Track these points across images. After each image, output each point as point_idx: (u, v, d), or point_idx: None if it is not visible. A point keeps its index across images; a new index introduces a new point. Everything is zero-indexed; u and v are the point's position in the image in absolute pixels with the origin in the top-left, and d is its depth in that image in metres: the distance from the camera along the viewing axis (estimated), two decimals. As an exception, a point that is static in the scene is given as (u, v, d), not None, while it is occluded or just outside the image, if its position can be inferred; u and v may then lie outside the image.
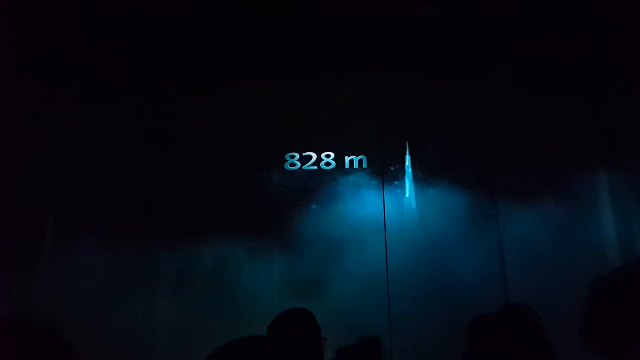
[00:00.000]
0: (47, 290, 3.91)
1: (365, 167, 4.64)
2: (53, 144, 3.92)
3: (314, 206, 4.51)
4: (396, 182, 4.63)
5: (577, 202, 4.08)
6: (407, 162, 4.68)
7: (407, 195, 4.68)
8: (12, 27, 3.47)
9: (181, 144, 4.62)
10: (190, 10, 3.86)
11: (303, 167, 4.64)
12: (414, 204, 4.65)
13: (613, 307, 1.28)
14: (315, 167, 4.65)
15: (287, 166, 4.63)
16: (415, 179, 4.62)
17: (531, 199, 4.06)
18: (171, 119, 4.71)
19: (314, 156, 4.67)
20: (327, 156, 4.66)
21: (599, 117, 4.28)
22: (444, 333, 3.84)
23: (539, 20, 3.83)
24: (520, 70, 4.13)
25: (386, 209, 4.49)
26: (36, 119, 3.84)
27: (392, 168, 4.65)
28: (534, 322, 1.83)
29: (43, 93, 3.92)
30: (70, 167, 3.98)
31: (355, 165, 4.65)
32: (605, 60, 4.02)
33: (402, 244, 4.30)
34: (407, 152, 4.67)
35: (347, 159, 4.66)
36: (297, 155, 4.65)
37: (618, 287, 1.31)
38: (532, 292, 3.62)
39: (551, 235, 3.98)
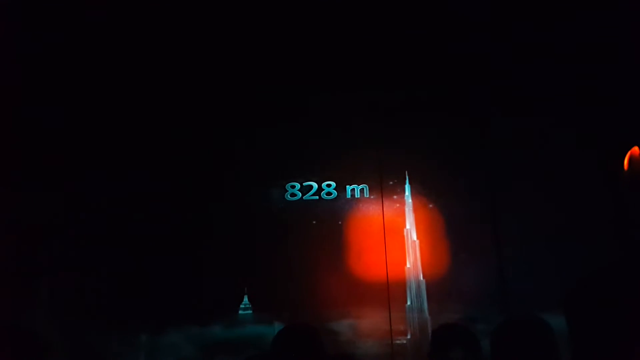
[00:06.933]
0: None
1: (367, 196, 4.65)
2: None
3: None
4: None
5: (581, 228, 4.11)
6: (407, 192, 4.69)
7: (407, 227, 4.67)
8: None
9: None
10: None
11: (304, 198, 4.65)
12: (414, 236, 4.64)
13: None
14: (317, 197, 4.65)
15: (287, 196, 4.64)
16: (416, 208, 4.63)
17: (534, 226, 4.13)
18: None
19: (315, 186, 4.68)
20: (329, 186, 4.67)
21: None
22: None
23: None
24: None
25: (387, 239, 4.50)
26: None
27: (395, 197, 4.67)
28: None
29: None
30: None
31: (357, 194, 4.66)
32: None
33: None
34: (407, 181, 4.68)
35: (348, 188, 4.67)
36: (298, 185, 4.67)
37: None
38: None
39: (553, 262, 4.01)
